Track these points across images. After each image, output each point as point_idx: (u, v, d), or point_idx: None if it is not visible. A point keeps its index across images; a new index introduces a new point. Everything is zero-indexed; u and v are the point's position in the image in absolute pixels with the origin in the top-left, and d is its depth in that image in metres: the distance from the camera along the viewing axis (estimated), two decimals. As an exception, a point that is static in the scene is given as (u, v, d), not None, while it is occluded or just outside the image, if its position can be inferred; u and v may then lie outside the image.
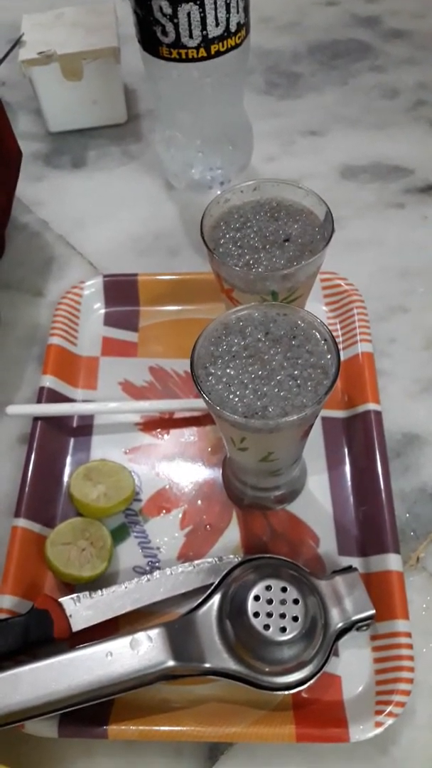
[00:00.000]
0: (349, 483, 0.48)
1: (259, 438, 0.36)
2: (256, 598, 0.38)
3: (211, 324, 0.37)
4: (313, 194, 0.43)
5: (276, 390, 0.35)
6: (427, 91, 0.74)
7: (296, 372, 0.36)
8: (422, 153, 0.68)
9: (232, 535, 0.46)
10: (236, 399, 0.35)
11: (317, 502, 0.47)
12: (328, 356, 0.36)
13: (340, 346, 0.53)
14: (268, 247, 0.42)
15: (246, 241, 0.42)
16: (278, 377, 0.36)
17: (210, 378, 0.36)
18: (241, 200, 0.44)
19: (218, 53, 0.52)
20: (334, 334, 0.54)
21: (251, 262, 0.41)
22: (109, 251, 0.63)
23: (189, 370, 0.53)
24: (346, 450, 0.49)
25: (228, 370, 0.36)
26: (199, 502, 0.48)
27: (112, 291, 0.57)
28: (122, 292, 0.57)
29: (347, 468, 0.48)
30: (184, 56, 0.52)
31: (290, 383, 0.35)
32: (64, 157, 0.72)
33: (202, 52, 0.52)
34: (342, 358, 0.53)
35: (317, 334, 0.37)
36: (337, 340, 0.53)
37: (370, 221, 0.63)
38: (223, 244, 0.42)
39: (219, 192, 0.44)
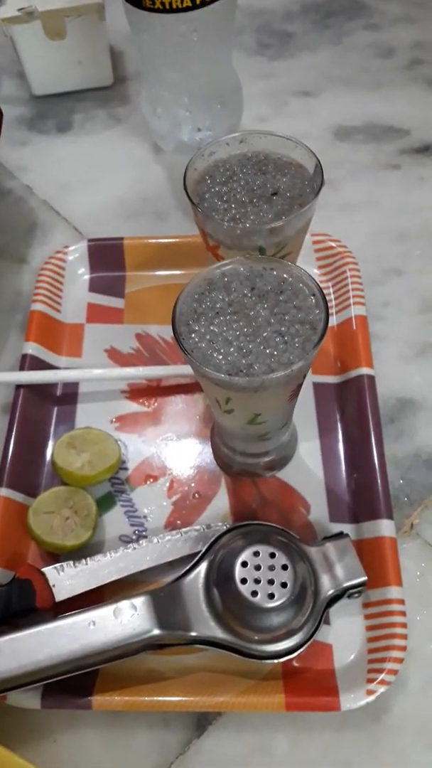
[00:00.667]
0: (342, 449, 0.46)
1: (244, 398, 0.35)
2: (244, 564, 0.37)
3: (194, 279, 0.36)
4: (303, 146, 0.41)
5: (262, 347, 0.34)
6: (424, 49, 0.72)
7: (283, 328, 0.34)
8: (418, 113, 0.66)
9: (221, 503, 0.45)
10: (220, 357, 0.34)
11: (308, 468, 0.46)
12: (317, 311, 0.34)
13: (333, 310, 0.52)
14: (255, 201, 0.40)
15: (232, 195, 0.40)
16: (264, 334, 0.34)
17: (193, 335, 0.34)
18: (227, 153, 0.42)
19: (203, 3, 0.50)
20: (327, 297, 0.52)
21: (237, 216, 0.39)
22: (94, 216, 0.61)
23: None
24: (338, 416, 0.48)
25: (212, 327, 0.34)
26: (187, 470, 0.46)
27: (97, 256, 0.55)
28: (107, 257, 0.55)
29: (339, 434, 0.47)
30: (168, 6, 0.50)
31: (277, 340, 0.34)
32: (49, 121, 0.69)
33: (187, 2, 0.49)
34: (335, 321, 0.51)
35: (305, 288, 0.35)
36: (329, 303, 0.51)
37: (364, 183, 0.61)
38: (208, 198, 0.40)
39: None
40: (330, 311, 0.50)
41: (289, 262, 0.36)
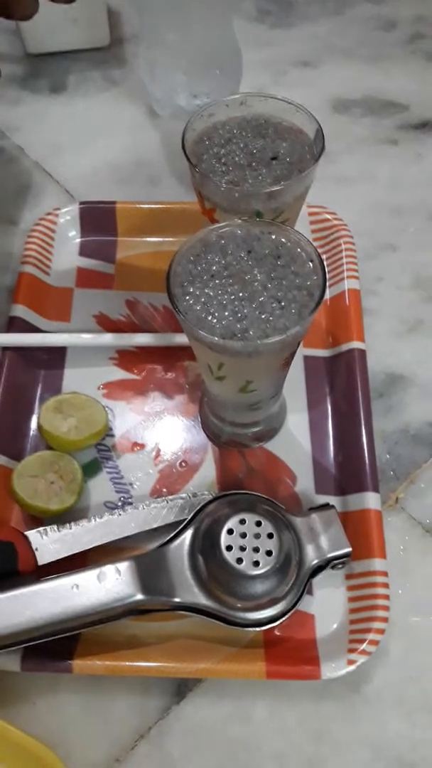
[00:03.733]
0: (330, 422, 0.46)
1: (237, 364, 0.34)
2: (230, 531, 0.37)
3: (189, 240, 0.35)
4: (304, 111, 0.40)
5: (257, 312, 0.33)
6: (426, 24, 0.71)
7: (280, 293, 0.33)
8: (418, 88, 0.65)
9: (208, 472, 0.45)
10: (214, 320, 0.33)
11: (296, 440, 0.45)
12: (314, 277, 0.34)
13: (327, 286, 0.51)
14: (254, 164, 0.39)
15: (231, 157, 0.39)
16: (260, 299, 0.33)
17: (187, 297, 0.34)
18: (226, 115, 0.41)
19: (206, -39, 0.49)
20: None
21: (235, 179, 0.39)
22: (87, 179, 0.59)
23: (168, 305, 0.51)
24: (327, 389, 0.47)
25: (206, 291, 0.34)
26: (175, 439, 0.46)
27: (89, 219, 0.54)
28: (99, 221, 0.54)
29: (328, 407, 0.47)
30: (169, -38, 0.48)
31: (273, 305, 0.33)
32: (43, 80, 0.67)
33: (189, -41, 0.48)
34: (328, 295, 0.51)
35: (303, 254, 0.34)
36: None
37: (361, 157, 0.60)
38: (206, 159, 0.39)
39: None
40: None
41: (287, 227, 0.35)
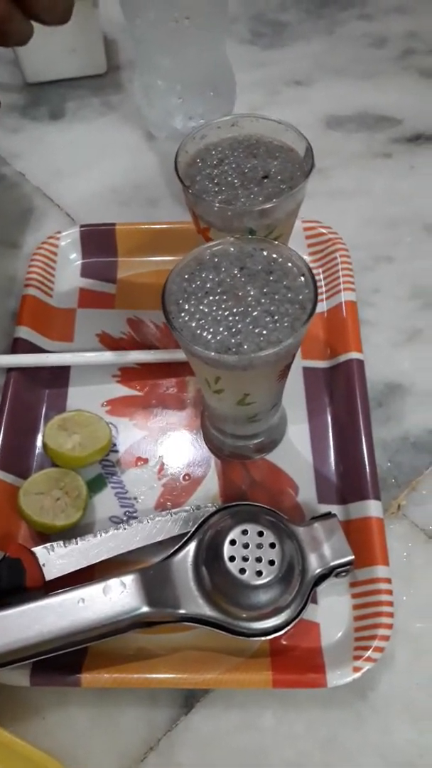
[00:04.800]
0: (330, 432, 0.47)
1: (234, 377, 0.35)
2: (232, 542, 0.37)
3: (183, 259, 0.36)
4: (293, 129, 0.41)
5: (251, 327, 0.34)
6: (416, 39, 0.72)
7: (273, 308, 0.34)
8: (411, 103, 0.66)
9: (211, 485, 0.45)
10: (209, 336, 0.34)
11: (297, 451, 0.46)
12: (306, 291, 0.35)
13: (323, 296, 0.52)
14: (246, 183, 0.40)
15: (223, 177, 0.41)
16: (254, 313, 0.34)
17: (182, 314, 0.35)
18: (218, 137, 0.42)
19: (196, -11, 0.50)
20: (317, 282, 0.52)
21: (228, 199, 0.40)
22: (87, 203, 0.61)
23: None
24: (327, 399, 0.48)
25: (201, 307, 0.35)
26: (178, 453, 0.47)
27: (89, 241, 0.55)
28: (99, 243, 0.55)
29: (328, 417, 0.47)
30: (160, -9, 0.50)
31: (266, 319, 0.34)
32: (42, 108, 0.69)
33: (179, -13, 0.50)
34: (325, 307, 0.52)
35: (295, 269, 0.35)
36: (319, 288, 0.52)
37: (356, 171, 0.61)
38: (199, 180, 0.41)
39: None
40: (320, 296, 0.51)
41: (279, 243, 0.36)
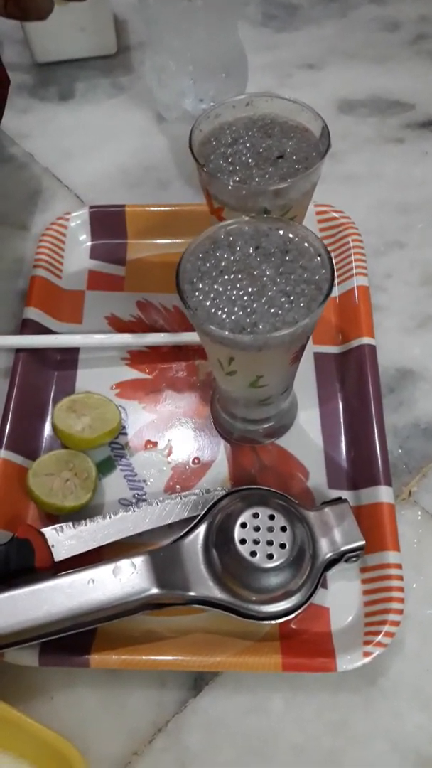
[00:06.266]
0: (341, 417, 0.46)
1: (247, 358, 0.35)
2: (243, 525, 0.37)
3: (198, 238, 0.35)
4: (309, 109, 0.41)
5: (266, 306, 0.34)
6: (429, 24, 0.71)
7: (288, 288, 0.34)
8: (423, 87, 0.66)
9: (221, 468, 0.45)
10: (224, 315, 0.33)
11: (307, 436, 0.46)
12: (323, 271, 0.34)
13: (335, 280, 0.51)
14: (260, 163, 0.40)
15: (238, 157, 0.40)
16: (269, 293, 0.34)
17: (196, 293, 0.34)
18: (233, 116, 0.42)
19: (210, -34, 0.49)
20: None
21: (243, 178, 0.39)
22: (96, 184, 0.60)
23: (178, 305, 0.52)
24: (338, 385, 0.48)
25: (216, 286, 0.34)
26: (187, 436, 0.46)
27: (99, 223, 0.55)
28: (109, 224, 0.55)
29: (339, 402, 0.47)
30: (174, -31, 0.49)
31: (282, 299, 0.34)
32: (51, 88, 0.68)
33: (194, -35, 0.49)
34: (337, 292, 0.51)
35: (311, 249, 0.35)
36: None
37: (368, 156, 0.61)
38: (213, 159, 0.40)
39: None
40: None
41: (295, 223, 0.36)
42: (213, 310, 0.34)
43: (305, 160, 0.40)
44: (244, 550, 0.36)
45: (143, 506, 0.42)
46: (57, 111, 0.67)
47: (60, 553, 0.40)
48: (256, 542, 0.37)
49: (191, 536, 0.39)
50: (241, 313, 0.33)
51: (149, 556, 0.38)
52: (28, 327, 0.49)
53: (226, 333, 0.32)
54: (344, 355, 0.48)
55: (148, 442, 0.46)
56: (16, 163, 0.63)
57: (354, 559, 0.40)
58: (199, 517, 0.40)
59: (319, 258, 0.35)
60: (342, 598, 0.40)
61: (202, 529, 0.39)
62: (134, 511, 0.42)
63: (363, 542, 0.39)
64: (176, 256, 0.36)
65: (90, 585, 0.37)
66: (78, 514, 0.42)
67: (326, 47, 0.70)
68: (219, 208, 0.40)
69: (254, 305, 0.34)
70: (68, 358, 0.50)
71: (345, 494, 0.43)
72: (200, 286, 0.34)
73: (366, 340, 0.47)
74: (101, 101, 0.67)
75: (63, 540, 0.40)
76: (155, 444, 0.46)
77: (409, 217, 0.57)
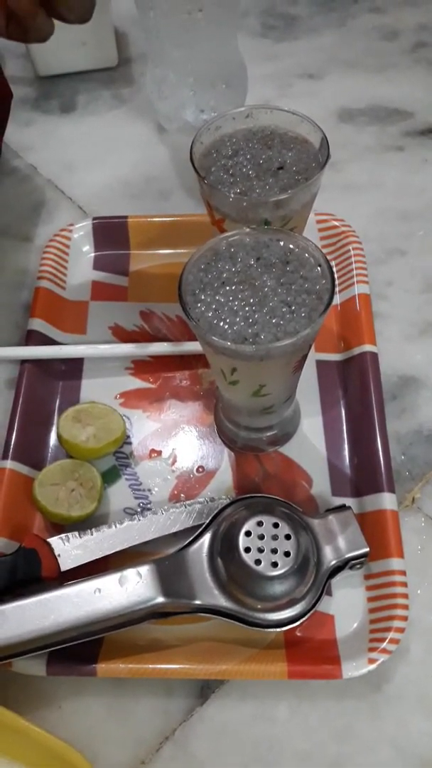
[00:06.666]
0: (344, 425, 0.47)
1: (249, 368, 0.35)
2: (248, 533, 0.37)
3: (199, 249, 0.36)
4: (308, 121, 0.41)
5: (268, 317, 0.34)
6: (428, 32, 0.72)
7: (289, 298, 0.34)
8: (423, 96, 0.66)
9: (224, 477, 0.45)
10: (226, 326, 0.34)
11: (311, 443, 0.46)
12: (323, 281, 0.34)
13: (336, 289, 0.52)
14: (261, 175, 0.40)
15: (238, 168, 0.40)
16: (270, 304, 0.34)
17: (198, 304, 0.35)
18: (232, 128, 0.42)
19: (210, -20, 0.50)
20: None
21: (244, 190, 0.40)
22: (99, 195, 0.61)
23: (181, 314, 0.52)
24: (340, 392, 0.48)
25: (217, 297, 0.35)
26: (191, 445, 0.47)
27: (102, 234, 0.56)
28: (112, 235, 0.55)
29: (342, 410, 0.47)
30: (174, -17, 0.50)
31: (283, 309, 0.34)
32: (53, 101, 0.69)
33: (193, -21, 0.49)
34: (338, 300, 0.51)
35: (312, 259, 0.35)
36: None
37: (368, 164, 0.61)
38: (214, 171, 0.40)
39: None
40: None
41: (295, 233, 0.36)
42: (215, 321, 0.34)
43: (305, 171, 0.40)
44: (248, 558, 0.37)
45: (148, 515, 0.42)
46: (59, 123, 0.67)
47: (66, 563, 0.40)
48: (260, 550, 0.37)
49: (196, 545, 0.39)
50: (242, 323, 0.34)
51: (155, 565, 0.38)
52: (32, 338, 0.50)
53: (228, 344, 0.33)
54: (346, 363, 0.49)
55: (153, 451, 0.47)
56: (20, 175, 0.63)
57: (358, 566, 0.40)
58: (203, 526, 0.40)
59: (319, 268, 0.35)
60: (347, 605, 0.40)
61: (206, 537, 0.39)
62: (139, 520, 0.42)
63: (367, 549, 0.39)
64: (178, 266, 0.36)
65: (96, 594, 0.37)
66: (84, 524, 0.42)
67: (326, 57, 0.71)
68: (220, 219, 0.41)
69: (256, 316, 0.34)
70: (73, 368, 0.50)
71: (348, 501, 0.43)
72: (202, 297, 0.35)
73: (368, 348, 0.48)
74: (103, 113, 0.68)
75: (69, 549, 0.41)
76: (159, 453, 0.47)
77: (410, 225, 0.57)
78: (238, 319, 0.34)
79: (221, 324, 0.34)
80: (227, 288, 0.35)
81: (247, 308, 0.34)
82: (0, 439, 0.46)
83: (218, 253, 0.36)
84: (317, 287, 0.34)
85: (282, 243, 0.36)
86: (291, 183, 0.40)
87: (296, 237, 0.36)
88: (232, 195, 0.39)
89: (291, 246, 0.36)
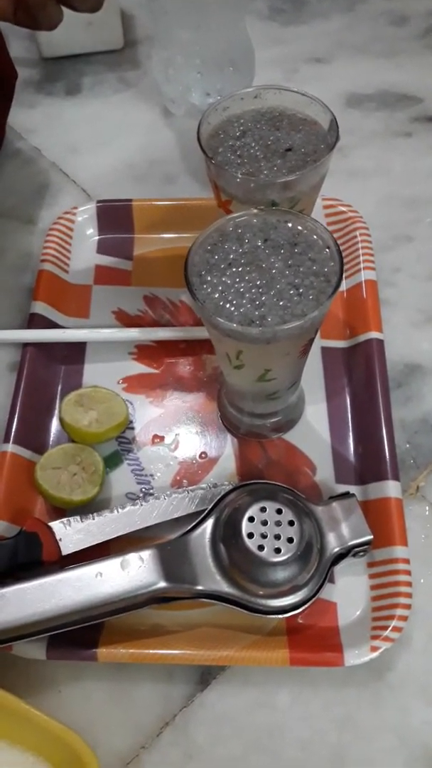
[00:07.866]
0: (349, 412, 0.46)
1: (255, 351, 0.35)
2: (251, 519, 0.37)
3: (206, 230, 0.35)
4: (318, 102, 0.40)
5: (275, 299, 0.33)
6: (438, 18, 0.71)
7: (297, 280, 0.34)
8: (431, 81, 0.65)
9: (227, 463, 0.45)
10: (232, 308, 0.33)
11: (315, 430, 0.46)
12: (331, 264, 0.34)
13: (344, 268, 0.51)
14: (269, 156, 0.40)
15: (246, 150, 0.40)
16: (278, 286, 0.34)
17: (205, 286, 0.34)
18: (240, 108, 0.42)
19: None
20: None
21: (251, 170, 0.39)
22: (103, 178, 0.60)
23: (185, 299, 0.52)
24: (346, 380, 0.47)
25: (224, 279, 0.34)
26: (194, 431, 0.46)
27: (106, 217, 0.55)
28: (116, 219, 0.55)
29: (347, 397, 0.47)
30: (182, -39, 0.49)
31: (291, 292, 0.33)
32: (58, 83, 0.68)
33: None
34: (345, 286, 0.51)
35: (320, 241, 0.35)
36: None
37: (375, 150, 0.61)
38: (221, 152, 0.40)
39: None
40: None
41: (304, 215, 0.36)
42: (221, 303, 0.34)
43: (314, 152, 0.40)
44: (251, 544, 0.36)
45: (150, 500, 0.42)
46: (64, 106, 0.67)
47: (68, 547, 0.40)
48: (263, 536, 0.37)
49: (198, 530, 0.39)
50: (249, 305, 0.33)
51: (157, 550, 0.38)
52: (35, 321, 0.49)
53: (235, 326, 0.32)
54: (352, 350, 0.48)
55: (155, 436, 0.46)
56: (23, 157, 0.63)
57: (361, 553, 0.39)
58: (206, 511, 0.40)
59: (328, 250, 0.34)
60: (349, 592, 0.40)
61: (209, 523, 0.39)
62: (141, 505, 0.42)
63: (370, 537, 0.39)
64: (183, 250, 0.36)
65: (98, 578, 0.37)
66: (85, 508, 0.42)
67: (334, 41, 0.70)
68: (227, 200, 0.40)
69: (263, 298, 0.33)
70: (75, 352, 0.50)
71: (353, 489, 0.43)
72: (208, 278, 0.34)
73: (374, 335, 0.47)
74: (108, 96, 0.67)
75: (71, 534, 0.40)
76: (162, 438, 0.46)
77: (417, 211, 0.56)
78: (244, 301, 0.33)
79: (227, 306, 0.33)
80: (234, 269, 0.34)
81: (253, 290, 0.34)
82: (1, 423, 0.45)
83: (225, 234, 0.35)
84: (325, 269, 0.34)
85: (290, 224, 0.35)
86: (299, 164, 0.39)
87: (305, 218, 0.35)
88: (240, 176, 0.38)
89: (299, 228, 0.35)
